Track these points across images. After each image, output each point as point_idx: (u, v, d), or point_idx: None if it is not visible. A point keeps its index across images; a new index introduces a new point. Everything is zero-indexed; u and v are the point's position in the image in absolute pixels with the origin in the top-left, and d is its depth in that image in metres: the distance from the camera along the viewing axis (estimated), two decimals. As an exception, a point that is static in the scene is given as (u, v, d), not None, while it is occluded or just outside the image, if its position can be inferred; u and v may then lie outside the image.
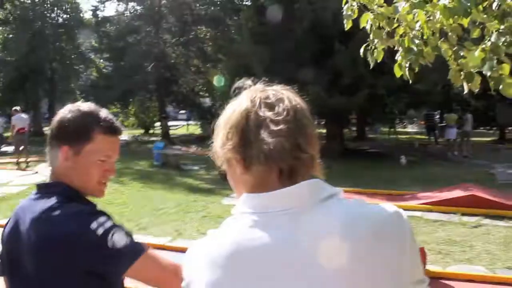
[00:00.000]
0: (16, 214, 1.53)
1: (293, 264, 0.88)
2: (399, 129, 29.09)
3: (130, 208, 9.02)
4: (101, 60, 32.62)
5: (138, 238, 5.51)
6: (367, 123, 24.87)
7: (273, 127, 0.95)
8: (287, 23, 15.20)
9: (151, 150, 16.76)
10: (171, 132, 29.73)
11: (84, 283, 1.38)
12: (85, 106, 1.60)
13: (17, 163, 15.25)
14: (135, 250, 1.39)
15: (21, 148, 15.40)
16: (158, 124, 31.57)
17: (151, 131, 34.62)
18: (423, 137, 24.36)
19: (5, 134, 21.17)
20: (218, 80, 25.76)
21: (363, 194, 9.46)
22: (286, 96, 1.02)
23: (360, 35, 3.85)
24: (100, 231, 1.34)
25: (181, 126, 40.70)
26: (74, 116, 1.54)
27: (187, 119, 40.28)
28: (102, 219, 1.38)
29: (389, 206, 0.95)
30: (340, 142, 18.47)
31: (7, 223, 1.55)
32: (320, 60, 14.89)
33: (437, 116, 25.31)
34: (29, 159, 15.48)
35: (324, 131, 18.81)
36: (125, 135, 32.90)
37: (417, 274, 0.97)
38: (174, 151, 16.16)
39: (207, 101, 36.13)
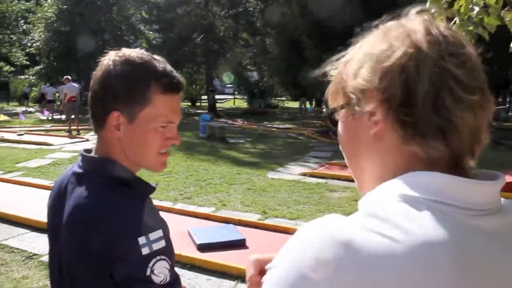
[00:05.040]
0: (56, 187, 1.33)
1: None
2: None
3: (175, 178, 9.13)
4: (151, 32, 32.95)
5: (183, 206, 5.53)
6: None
7: (467, 96, 0.66)
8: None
9: (197, 122, 16.89)
10: (217, 105, 29.90)
11: None
12: (135, 54, 1.22)
13: (69, 131, 15.75)
14: None
15: (72, 116, 15.88)
16: (205, 97, 31.80)
17: (198, 104, 34.92)
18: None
19: (57, 103, 21.83)
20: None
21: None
22: (467, 43, 0.71)
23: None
24: (145, 251, 1.08)
25: (228, 100, 40.88)
26: (124, 70, 1.19)
27: (234, 93, 40.39)
28: (155, 234, 1.10)
29: None
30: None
31: (50, 194, 1.35)
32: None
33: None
34: (79, 127, 15.92)
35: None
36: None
37: None
38: (220, 124, 16.25)
39: (254, 75, 36.07)
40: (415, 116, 0.65)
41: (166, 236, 1.13)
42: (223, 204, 7.26)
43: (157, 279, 1.09)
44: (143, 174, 1.29)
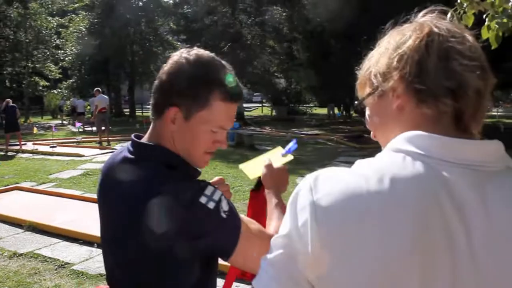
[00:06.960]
0: (105, 173, 1.37)
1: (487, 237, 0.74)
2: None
3: (204, 185, 9.11)
4: (178, 42, 33.29)
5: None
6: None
7: (470, 62, 0.81)
8: (361, 2, 14.72)
9: (226, 130, 16.88)
10: (245, 113, 29.98)
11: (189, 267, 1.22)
12: (207, 58, 1.28)
13: (99, 142, 15.98)
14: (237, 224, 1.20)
15: (102, 127, 16.12)
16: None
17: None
18: (510, 121, 22.71)
19: (88, 115, 22.22)
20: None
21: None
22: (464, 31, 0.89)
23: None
24: (211, 205, 1.15)
25: (256, 108, 40.90)
26: (193, 70, 1.24)
27: (261, 101, 40.44)
28: (209, 190, 1.18)
29: None
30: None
31: (99, 183, 1.40)
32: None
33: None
34: (110, 138, 16.12)
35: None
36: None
37: None
38: (248, 131, 16.22)
39: (281, 82, 36.02)
40: (427, 84, 0.81)
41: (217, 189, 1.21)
42: (253, 211, 7.19)
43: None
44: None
